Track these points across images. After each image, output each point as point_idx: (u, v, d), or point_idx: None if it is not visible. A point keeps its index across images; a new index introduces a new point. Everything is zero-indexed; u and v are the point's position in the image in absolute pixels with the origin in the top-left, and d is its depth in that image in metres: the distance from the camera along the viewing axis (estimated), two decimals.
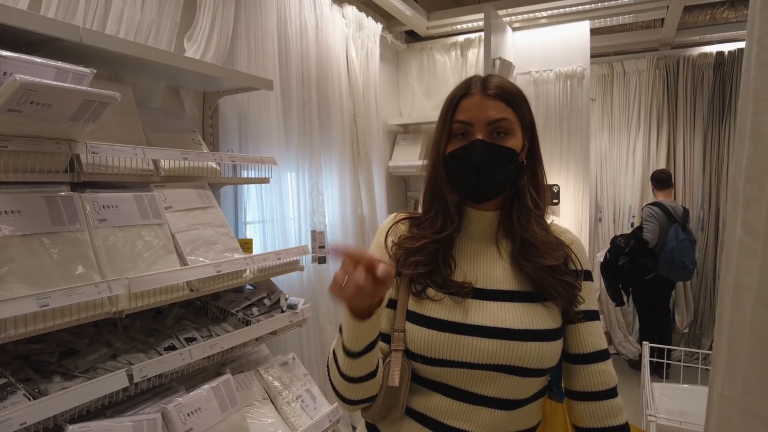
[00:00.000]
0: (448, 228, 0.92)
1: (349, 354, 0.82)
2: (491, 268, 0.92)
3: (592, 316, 0.94)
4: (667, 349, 2.58)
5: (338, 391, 0.88)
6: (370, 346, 0.82)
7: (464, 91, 0.91)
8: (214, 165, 1.71)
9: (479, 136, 0.88)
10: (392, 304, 0.92)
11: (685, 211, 3.80)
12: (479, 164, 0.88)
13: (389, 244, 0.96)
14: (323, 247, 2.46)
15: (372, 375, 0.85)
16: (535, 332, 0.85)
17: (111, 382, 1.19)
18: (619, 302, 3.88)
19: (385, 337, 0.91)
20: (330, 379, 0.89)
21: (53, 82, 1.05)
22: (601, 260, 3.85)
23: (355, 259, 0.72)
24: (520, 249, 0.91)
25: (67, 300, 1.09)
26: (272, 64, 2.20)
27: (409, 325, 0.89)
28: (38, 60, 1.07)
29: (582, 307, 0.92)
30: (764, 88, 0.61)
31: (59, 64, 1.10)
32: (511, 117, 0.89)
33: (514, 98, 0.90)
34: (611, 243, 3.85)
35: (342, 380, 0.85)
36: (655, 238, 3.65)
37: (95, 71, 1.17)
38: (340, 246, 0.71)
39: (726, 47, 4.14)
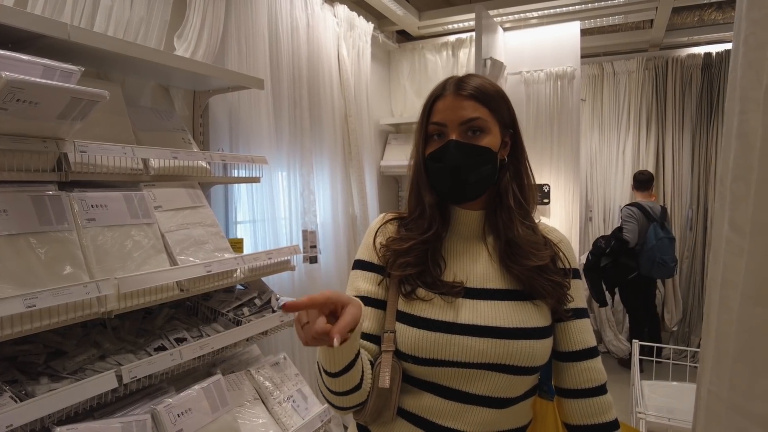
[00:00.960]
0: (433, 228, 0.92)
1: (329, 374, 0.81)
2: (480, 267, 0.92)
3: (581, 313, 0.95)
4: (657, 347, 2.61)
5: (327, 399, 0.88)
6: (349, 366, 0.80)
7: (438, 92, 0.92)
8: (204, 164, 1.70)
9: (453, 137, 0.89)
10: (381, 305, 0.92)
11: (663, 210, 3.85)
12: (454, 164, 0.88)
13: (378, 245, 0.95)
14: (314, 246, 2.46)
15: (357, 388, 0.84)
16: (526, 330, 0.85)
17: (99, 383, 1.18)
18: (602, 303, 3.93)
19: (375, 339, 0.91)
20: (319, 386, 0.89)
21: (40, 80, 1.03)
22: (584, 262, 3.89)
23: (311, 307, 0.68)
24: (506, 249, 0.91)
25: (54, 300, 1.08)
26: (263, 63, 2.19)
27: (399, 326, 0.88)
28: (25, 57, 1.06)
29: (571, 305, 0.93)
30: (751, 88, 0.61)
31: (46, 61, 1.09)
32: (486, 116, 0.89)
33: (488, 97, 0.90)
34: (593, 245, 3.89)
35: (329, 392, 0.85)
36: (635, 238, 3.70)
37: (83, 69, 1.15)
38: (291, 303, 0.66)
39: (714, 48, 4.18)
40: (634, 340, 2.60)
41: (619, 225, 3.87)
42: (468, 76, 0.93)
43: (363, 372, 0.84)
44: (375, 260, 0.95)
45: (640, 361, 2.46)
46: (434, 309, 0.87)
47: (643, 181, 3.93)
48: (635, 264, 3.76)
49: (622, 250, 3.72)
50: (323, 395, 0.88)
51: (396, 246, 0.92)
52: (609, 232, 4.13)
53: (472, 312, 0.87)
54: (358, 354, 0.81)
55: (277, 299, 1.85)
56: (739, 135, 0.63)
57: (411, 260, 0.90)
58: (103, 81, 1.63)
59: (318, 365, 0.85)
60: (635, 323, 4.01)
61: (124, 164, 1.42)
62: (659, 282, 4.19)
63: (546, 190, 3.35)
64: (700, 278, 4.25)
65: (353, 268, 0.98)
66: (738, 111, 0.64)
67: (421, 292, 0.89)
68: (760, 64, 0.60)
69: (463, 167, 0.88)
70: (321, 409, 1.80)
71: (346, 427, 2.62)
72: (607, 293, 3.92)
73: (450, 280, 0.89)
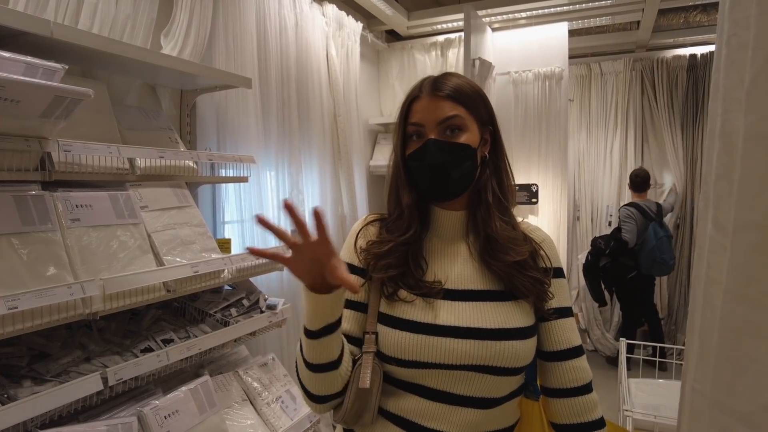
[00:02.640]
0: (412, 229, 0.92)
1: (308, 334, 0.80)
2: (462, 267, 0.92)
3: (565, 312, 0.95)
4: (643, 345, 2.63)
5: (304, 385, 0.86)
6: (330, 329, 0.79)
7: (415, 93, 0.93)
8: (191, 164, 1.68)
9: (432, 136, 0.89)
10: (363, 308, 0.92)
11: (658, 207, 3.88)
12: (433, 162, 0.89)
13: (358, 248, 0.95)
14: None
15: (334, 365, 0.83)
16: (508, 331, 0.85)
17: (84, 385, 1.16)
18: (601, 303, 3.95)
19: (357, 341, 0.91)
20: (297, 374, 0.88)
21: (22, 78, 1.02)
22: (583, 262, 3.91)
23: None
24: (485, 246, 0.92)
25: (37, 302, 1.06)
26: (251, 62, 2.18)
27: (381, 328, 0.88)
28: (6, 54, 1.04)
29: (554, 304, 0.93)
30: (733, 88, 0.62)
31: (29, 59, 1.07)
32: (463, 114, 0.90)
33: (464, 95, 0.90)
34: (591, 245, 3.91)
35: (306, 368, 0.84)
36: (634, 238, 3.73)
37: (67, 67, 1.13)
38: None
39: (699, 50, 4.23)
40: (621, 339, 2.62)
41: (617, 225, 3.88)
42: (444, 75, 0.93)
43: (343, 351, 0.84)
44: (356, 262, 0.94)
45: (627, 358, 2.48)
46: (415, 311, 0.87)
47: (638, 183, 3.94)
48: (634, 263, 3.78)
49: (622, 250, 3.75)
50: (301, 383, 0.87)
51: (375, 249, 0.92)
52: (597, 232, 4.16)
53: (453, 313, 0.86)
54: (339, 322, 0.81)
55: (266, 300, 1.84)
56: (722, 135, 0.64)
57: (392, 261, 0.90)
58: (88, 79, 1.61)
59: (300, 343, 0.84)
60: (629, 321, 4.03)
61: (110, 164, 1.40)
62: None
63: (534, 190, 3.37)
64: (686, 277, 4.30)
65: None
66: (721, 111, 0.64)
67: (402, 293, 0.89)
68: (742, 65, 0.60)
69: (444, 164, 0.89)
70: (310, 410, 1.79)
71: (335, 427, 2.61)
72: (606, 292, 3.94)
73: (431, 281, 0.89)
